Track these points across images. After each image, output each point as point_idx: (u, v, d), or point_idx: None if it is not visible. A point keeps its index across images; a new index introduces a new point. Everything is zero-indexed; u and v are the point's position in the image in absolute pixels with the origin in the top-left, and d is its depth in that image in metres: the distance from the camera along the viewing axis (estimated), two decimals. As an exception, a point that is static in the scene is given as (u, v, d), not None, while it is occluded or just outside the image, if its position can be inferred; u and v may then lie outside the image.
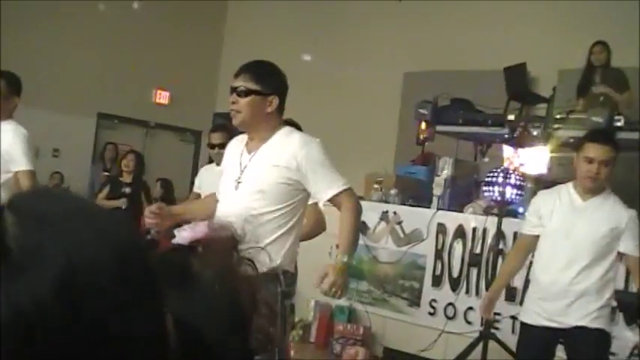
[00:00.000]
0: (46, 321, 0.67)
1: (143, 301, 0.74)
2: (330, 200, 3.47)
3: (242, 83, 3.43)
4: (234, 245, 0.99)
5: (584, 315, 4.01)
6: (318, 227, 4.77)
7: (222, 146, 5.67)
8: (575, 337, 4.04)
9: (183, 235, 1.02)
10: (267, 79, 3.46)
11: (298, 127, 4.86)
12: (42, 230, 0.70)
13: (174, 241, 1.04)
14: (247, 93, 3.42)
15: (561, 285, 4.05)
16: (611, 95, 6.88)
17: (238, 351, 0.91)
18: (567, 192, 4.14)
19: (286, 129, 3.55)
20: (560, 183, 4.41)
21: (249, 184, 3.45)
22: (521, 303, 5.95)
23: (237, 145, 3.64)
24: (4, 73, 4.66)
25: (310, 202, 4.68)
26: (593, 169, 3.94)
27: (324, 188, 3.43)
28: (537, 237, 4.23)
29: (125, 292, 0.72)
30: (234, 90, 3.45)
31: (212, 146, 5.80)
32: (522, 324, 4.32)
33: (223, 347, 0.89)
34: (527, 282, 5.76)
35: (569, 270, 4.04)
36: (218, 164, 5.80)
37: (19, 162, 4.48)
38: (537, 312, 4.15)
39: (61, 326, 0.68)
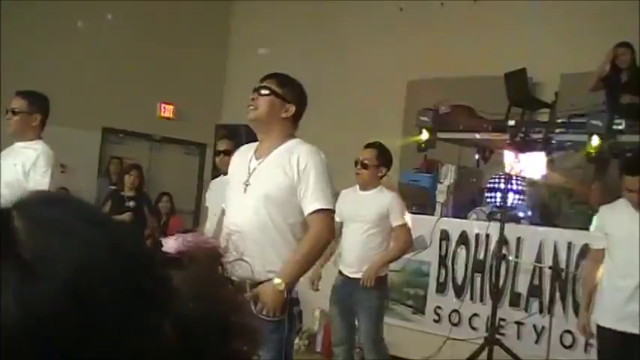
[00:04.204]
0: (55, 324, 0.69)
1: (150, 306, 0.76)
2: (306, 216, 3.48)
3: (266, 84, 3.56)
4: (218, 258, 1.02)
5: None
6: (408, 248, 5.21)
7: (228, 153, 5.75)
8: None
9: (170, 245, 1.05)
10: (289, 88, 3.61)
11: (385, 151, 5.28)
12: (52, 236, 0.72)
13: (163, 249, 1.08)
14: (269, 93, 3.53)
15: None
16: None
17: (223, 351, 0.95)
18: (625, 205, 4.40)
19: (298, 140, 3.61)
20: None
21: (257, 187, 3.48)
22: (526, 309, 5.98)
23: (245, 152, 3.70)
24: (26, 92, 4.77)
25: (397, 223, 5.07)
26: (635, 196, 4.28)
27: (310, 201, 3.44)
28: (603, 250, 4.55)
29: (133, 296, 0.73)
30: (256, 90, 3.57)
31: (218, 153, 5.88)
32: (600, 327, 4.47)
33: (209, 346, 0.93)
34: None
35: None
36: (225, 173, 5.86)
37: (34, 179, 4.59)
38: (618, 317, 4.34)
39: (71, 329, 0.69)
